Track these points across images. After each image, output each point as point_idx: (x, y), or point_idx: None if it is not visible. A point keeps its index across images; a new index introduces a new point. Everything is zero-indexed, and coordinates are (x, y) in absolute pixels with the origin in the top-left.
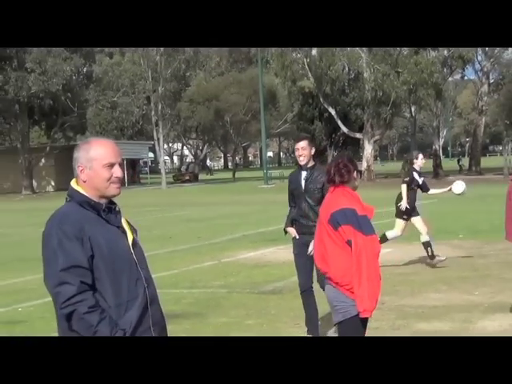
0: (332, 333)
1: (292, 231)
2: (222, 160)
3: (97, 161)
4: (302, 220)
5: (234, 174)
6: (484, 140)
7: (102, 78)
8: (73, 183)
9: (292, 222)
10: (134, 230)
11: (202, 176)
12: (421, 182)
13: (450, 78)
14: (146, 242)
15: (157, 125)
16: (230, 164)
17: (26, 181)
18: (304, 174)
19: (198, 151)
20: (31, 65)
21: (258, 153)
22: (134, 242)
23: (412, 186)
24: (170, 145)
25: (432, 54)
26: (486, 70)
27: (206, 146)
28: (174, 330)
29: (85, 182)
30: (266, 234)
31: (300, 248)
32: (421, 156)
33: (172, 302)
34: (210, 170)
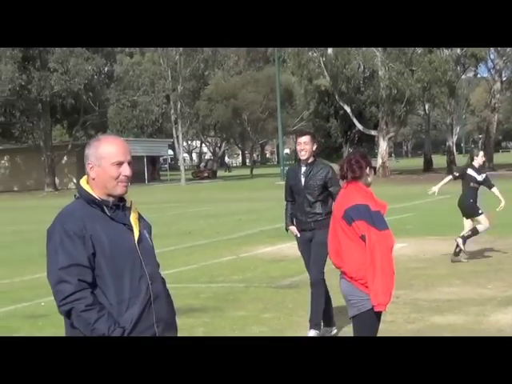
0: (313, 333)
1: (294, 230)
2: (240, 157)
3: (105, 159)
4: (301, 217)
5: (251, 171)
6: (496, 136)
7: (123, 78)
8: (82, 180)
9: (292, 219)
10: (145, 226)
11: (220, 173)
12: (481, 179)
13: (463, 76)
14: (165, 238)
15: (176, 123)
16: (247, 161)
17: (48, 178)
18: (304, 169)
19: (217, 148)
20: (54, 65)
21: (275, 150)
22: (141, 238)
23: (471, 183)
24: (189, 142)
25: (445, 52)
26: (498, 67)
27: (224, 144)
28: (193, 323)
29: (94, 179)
30: (283, 229)
31: (303, 245)
32: (481, 154)
33: (191, 296)
34: (228, 167)
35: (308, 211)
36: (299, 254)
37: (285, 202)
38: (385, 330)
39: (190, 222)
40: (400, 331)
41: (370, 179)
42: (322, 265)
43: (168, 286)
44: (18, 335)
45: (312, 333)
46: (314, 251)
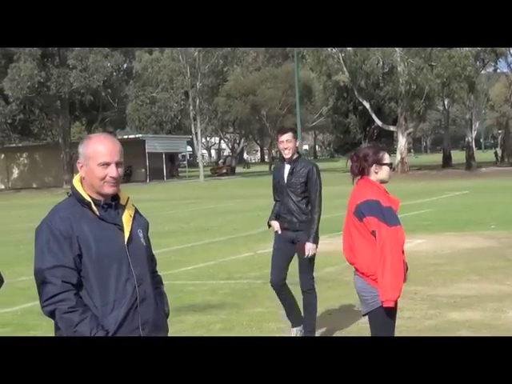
0: (296, 332)
1: (275, 225)
2: (259, 153)
3: (92, 159)
4: (285, 215)
5: (270, 167)
6: None
7: (142, 74)
8: (75, 178)
9: (276, 216)
10: (140, 224)
11: (238, 169)
12: None
13: (483, 71)
14: (183, 234)
15: (195, 119)
16: (266, 157)
17: (67, 175)
18: (287, 167)
19: (235, 145)
20: (73, 62)
21: None
22: (131, 238)
23: None
24: (208, 139)
25: (465, 47)
26: None
27: (242, 140)
28: (211, 320)
29: (83, 178)
30: None
31: (280, 243)
32: None
33: (209, 292)
34: (246, 164)
35: (293, 209)
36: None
37: (273, 202)
38: (402, 326)
39: (208, 219)
40: (418, 327)
41: (380, 176)
42: (312, 271)
43: (187, 282)
44: (35, 333)
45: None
46: (302, 259)
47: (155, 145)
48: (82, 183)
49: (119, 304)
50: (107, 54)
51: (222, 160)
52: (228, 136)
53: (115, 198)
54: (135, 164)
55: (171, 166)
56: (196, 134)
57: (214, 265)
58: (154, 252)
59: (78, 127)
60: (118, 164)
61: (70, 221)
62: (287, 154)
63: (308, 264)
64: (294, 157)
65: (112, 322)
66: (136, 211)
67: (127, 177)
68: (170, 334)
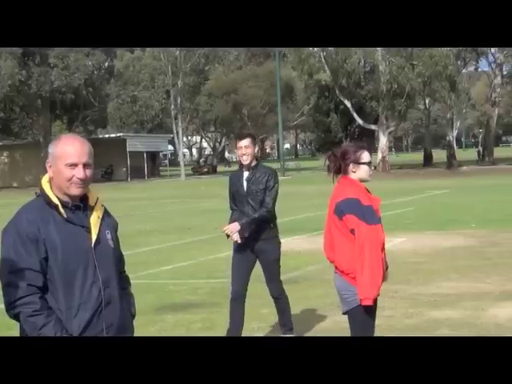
0: (285, 333)
1: (235, 235)
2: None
3: (60, 159)
4: None
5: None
6: (497, 131)
7: (123, 73)
8: (43, 178)
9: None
10: (109, 225)
11: (220, 168)
12: None
13: (464, 70)
14: (165, 233)
15: (176, 118)
16: None
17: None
18: (246, 174)
19: (217, 144)
20: (54, 60)
21: (275, 145)
22: (98, 241)
23: None
24: (189, 138)
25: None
26: (499, 61)
27: (224, 139)
28: (191, 319)
29: (52, 178)
30: (282, 224)
31: (240, 253)
32: None
33: (189, 291)
34: (228, 162)
35: None
36: (298, 249)
37: (230, 211)
38: (383, 324)
39: (189, 218)
40: (398, 326)
41: (358, 175)
42: (278, 277)
43: (167, 281)
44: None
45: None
46: (268, 269)
47: (136, 144)
48: (50, 183)
49: (84, 308)
50: (88, 53)
51: (203, 159)
52: (209, 135)
53: (84, 198)
54: (116, 163)
55: (152, 165)
56: (177, 132)
57: (194, 264)
58: (122, 251)
59: (59, 126)
60: (85, 165)
61: (37, 223)
62: (245, 161)
63: (273, 272)
64: (253, 163)
65: (76, 326)
66: (105, 211)
67: (108, 175)
68: (150, 334)
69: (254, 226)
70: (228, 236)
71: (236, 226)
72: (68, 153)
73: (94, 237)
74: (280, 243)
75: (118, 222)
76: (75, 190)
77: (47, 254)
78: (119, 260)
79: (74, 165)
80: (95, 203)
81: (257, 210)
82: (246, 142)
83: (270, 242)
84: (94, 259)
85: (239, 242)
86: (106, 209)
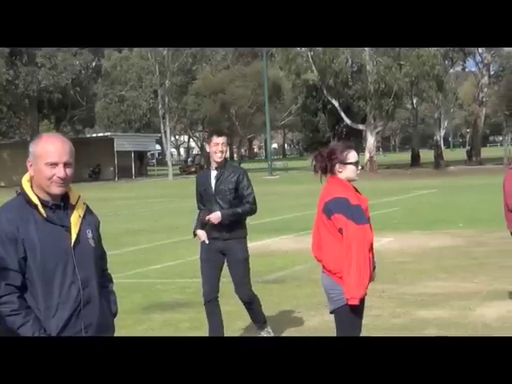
0: (265, 333)
1: (202, 235)
2: (228, 152)
3: (41, 158)
4: (213, 224)
5: (239, 165)
6: (484, 131)
7: (111, 72)
8: (24, 177)
9: (202, 224)
10: (90, 224)
11: None
12: None
13: (452, 70)
14: (152, 233)
15: (164, 118)
16: (235, 156)
17: None
18: (214, 173)
19: (205, 143)
20: (41, 60)
21: (263, 144)
22: (78, 240)
23: None
24: (177, 137)
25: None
26: (486, 61)
27: None
28: (179, 318)
29: (32, 177)
30: (270, 224)
31: (208, 254)
32: None
33: (177, 291)
34: None
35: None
36: (285, 248)
37: (197, 211)
38: (370, 324)
39: (176, 217)
40: (385, 325)
41: (345, 175)
42: (249, 281)
43: (155, 280)
44: None
45: (264, 333)
46: (236, 270)
47: (124, 143)
48: (31, 182)
49: (62, 307)
50: (76, 53)
51: (190, 158)
52: (197, 134)
53: (65, 197)
54: (104, 162)
55: (140, 165)
56: (165, 132)
57: (182, 263)
58: (105, 249)
59: (47, 125)
60: (66, 164)
61: (17, 223)
62: (219, 158)
63: (241, 273)
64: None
65: (54, 325)
66: (87, 210)
67: (96, 175)
68: (138, 333)
69: (233, 218)
70: (195, 235)
71: (217, 214)
72: (49, 152)
73: (73, 236)
74: (247, 245)
75: (100, 220)
76: (56, 189)
77: (26, 253)
78: (101, 258)
79: (55, 164)
80: (76, 202)
81: (225, 208)
82: (223, 139)
83: (239, 241)
84: (74, 259)
85: (207, 242)
86: (88, 207)
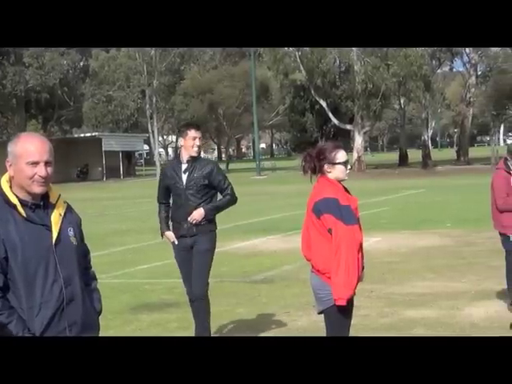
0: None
1: (170, 236)
2: (216, 152)
3: (21, 158)
4: (181, 221)
5: (227, 166)
6: (472, 131)
7: (98, 72)
8: (2, 178)
9: (167, 223)
10: (71, 222)
11: None
12: None
13: (439, 70)
14: (140, 233)
15: (151, 118)
16: (223, 156)
17: None
18: (184, 166)
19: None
20: (29, 59)
21: (251, 144)
22: (59, 239)
23: None
24: (165, 137)
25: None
26: (473, 62)
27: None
28: (167, 318)
29: (12, 177)
30: (258, 224)
31: (181, 254)
32: None
33: (165, 291)
34: None
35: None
36: (273, 248)
37: (157, 205)
38: (358, 324)
39: None
40: (373, 325)
41: (333, 175)
42: (206, 277)
43: (143, 280)
44: None
45: None
46: (196, 261)
47: (112, 143)
48: (10, 182)
49: (45, 306)
50: (63, 52)
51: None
52: None
53: (45, 197)
54: (92, 163)
55: (128, 165)
56: (153, 132)
57: (170, 263)
58: (88, 247)
59: (34, 125)
60: (46, 163)
61: None
62: (196, 153)
63: (202, 264)
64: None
65: (38, 324)
66: (67, 208)
67: (84, 175)
68: (126, 334)
69: (216, 212)
70: (162, 236)
71: (200, 210)
72: (29, 151)
73: (54, 235)
74: (215, 239)
75: (87, 220)
76: (37, 188)
77: (7, 254)
78: (84, 256)
79: (36, 163)
80: (56, 201)
81: (195, 202)
82: (199, 133)
83: (206, 234)
84: (55, 257)
85: (176, 242)
86: (68, 205)
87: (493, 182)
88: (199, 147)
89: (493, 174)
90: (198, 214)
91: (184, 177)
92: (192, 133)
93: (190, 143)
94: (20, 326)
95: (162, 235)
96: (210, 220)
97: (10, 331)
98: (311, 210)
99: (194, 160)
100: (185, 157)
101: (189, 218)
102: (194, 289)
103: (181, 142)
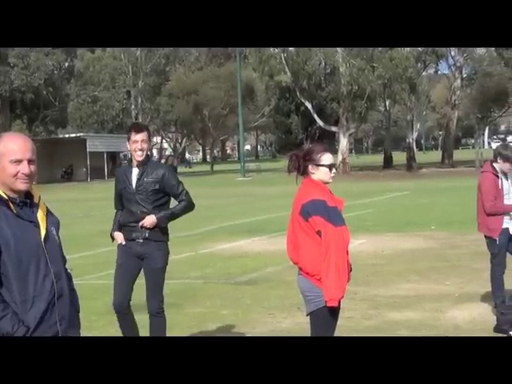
0: None
1: (119, 237)
2: (201, 153)
3: (4, 156)
4: (132, 226)
5: (212, 167)
6: (456, 133)
7: (84, 73)
8: None
9: (119, 226)
10: (53, 223)
11: (180, 169)
12: None
13: (424, 73)
14: None
15: (137, 118)
16: (208, 157)
17: None
18: (136, 171)
19: (177, 144)
20: (14, 60)
21: (236, 146)
22: (47, 236)
23: None
24: None
25: (406, 49)
26: (459, 64)
27: (184, 140)
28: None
29: None
30: (243, 225)
31: (124, 258)
32: None
33: None
34: (188, 163)
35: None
36: (258, 250)
37: (115, 211)
38: (342, 326)
39: None
40: (357, 327)
41: (317, 176)
42: (161, 293)
43: None
44: None
45: None
46: (150, 278)
47: (96, 144)
48: None
49: (38, 300)
50: (48, 53)
51: (163, 159)
52: (170, 135)
53: (28, 196)
54: (76, 163)
55: (113, 165)
56: None
57: None
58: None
59: (19, 125)
60: (30, 161)
61: None
62: (140, 156)
63: (156, 283)
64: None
65: (32, 318)
66: (48, 210)
67: (68, 176)
68: (110, 335)
69: (171, 220)
70: (113, 239)
71: (151, 218)
72: (12, 150)
73: (43, 232)
74: (168, 251)
75: (71, 221)
76: (21, 186)
77: (0, 248)
78: (64, 257)
79: (19, 161)
80: (38, 201)
81: (147, 209)
82: (143, 135)
83: (158, 246)
84: (45, 253)
85: (123, 243)
86: (48, 208)
87: (481, 184)
88: (143, 150)
89: (480, 176)
90: (148, 221)
91: (134, 181)
92: (132, 136)
93: (133, 147)
94: (15, 319)
95: (111, 237)
96: (162, 229)
97: (4, 325)
98: (298, 212)
99: (144, 164)
100: (134, 161)
101: (139, 224)
102: (150, 305)
103: (128, 145)
